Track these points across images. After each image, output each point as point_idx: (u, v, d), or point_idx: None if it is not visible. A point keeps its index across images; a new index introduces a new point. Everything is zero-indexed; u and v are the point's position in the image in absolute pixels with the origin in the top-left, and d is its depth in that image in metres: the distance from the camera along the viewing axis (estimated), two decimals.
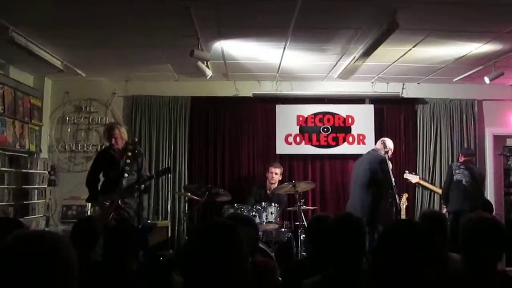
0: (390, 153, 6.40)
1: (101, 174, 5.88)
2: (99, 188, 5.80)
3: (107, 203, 5.53)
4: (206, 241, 1.69)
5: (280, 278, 3.76)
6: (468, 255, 2.29)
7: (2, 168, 6.03)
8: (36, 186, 6.83)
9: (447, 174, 6.86)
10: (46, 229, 6.57)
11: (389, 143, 6.54)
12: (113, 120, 7.21)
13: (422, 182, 7.45)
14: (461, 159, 6.88)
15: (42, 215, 6.97)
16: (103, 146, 5.96)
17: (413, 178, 7.35)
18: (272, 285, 3.13)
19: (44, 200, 7.03)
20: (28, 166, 6.65)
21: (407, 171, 7.39)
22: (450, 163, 7.28)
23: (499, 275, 2.28)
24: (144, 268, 3.32)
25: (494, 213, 6.61)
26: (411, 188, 7.49)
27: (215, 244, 1.68)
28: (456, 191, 6.60)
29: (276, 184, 6.91)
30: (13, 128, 6.29)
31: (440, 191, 7.34)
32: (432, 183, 7.50)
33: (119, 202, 5.55)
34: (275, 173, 6.96)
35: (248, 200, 6.87)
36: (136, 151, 5.55)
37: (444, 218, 3.87)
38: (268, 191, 6.97)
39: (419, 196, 7.57)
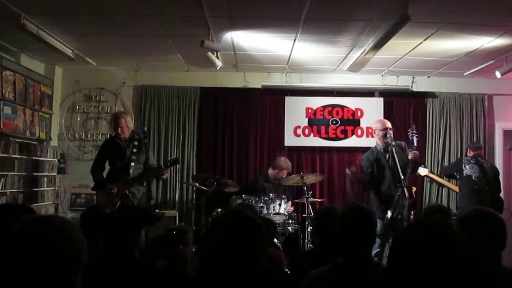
0: (380, 133, 5.93)
1: (107, 163, 5.93)
2: (104, 176, 5.85)
3: (114, 191, 5.57)
4: (229, 233, 1.69)
5: (287, 270, 3.79)
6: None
7: (12, 155, 6.07)
8: (46, 173, 6.88)
9: (456, 162, 7.01)
10: None
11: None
12: (122, 109, 7.24)
13: (431, 175, 7.40)
14: (470, 153, 6.84)
15: (51, 202, 7.04)
16: (113, 135, 5.99)
17: (423, 171, 7.22)
18: (280, 275, 3.15)
19: (53, 188, 7.10)
20: (38, 153, 6.70)
21: None
22: (459, 157, 7.24)
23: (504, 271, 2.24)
24: (147, 256, 3.34)
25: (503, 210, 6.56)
26: (419, 182, 7.41)
27: (238, 236, 1.68)
28: (465, 189, 6.55)
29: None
30: (23, 116, 6.33)
31: (449, 185, 7.32)
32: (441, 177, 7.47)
33: (126, 191, 5.59)
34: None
35: (260, 192, 6.74)
36: (146, 141, 5.59)
37: (447, 212, 3.86)
38: (271, 180, 6.92)
39: (427, 192, 7.52)
